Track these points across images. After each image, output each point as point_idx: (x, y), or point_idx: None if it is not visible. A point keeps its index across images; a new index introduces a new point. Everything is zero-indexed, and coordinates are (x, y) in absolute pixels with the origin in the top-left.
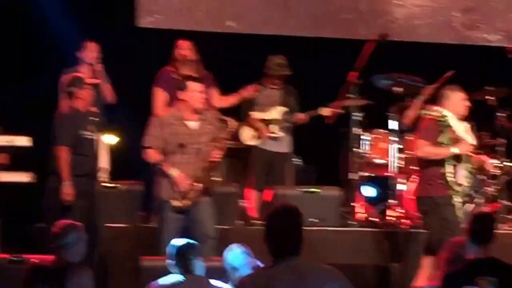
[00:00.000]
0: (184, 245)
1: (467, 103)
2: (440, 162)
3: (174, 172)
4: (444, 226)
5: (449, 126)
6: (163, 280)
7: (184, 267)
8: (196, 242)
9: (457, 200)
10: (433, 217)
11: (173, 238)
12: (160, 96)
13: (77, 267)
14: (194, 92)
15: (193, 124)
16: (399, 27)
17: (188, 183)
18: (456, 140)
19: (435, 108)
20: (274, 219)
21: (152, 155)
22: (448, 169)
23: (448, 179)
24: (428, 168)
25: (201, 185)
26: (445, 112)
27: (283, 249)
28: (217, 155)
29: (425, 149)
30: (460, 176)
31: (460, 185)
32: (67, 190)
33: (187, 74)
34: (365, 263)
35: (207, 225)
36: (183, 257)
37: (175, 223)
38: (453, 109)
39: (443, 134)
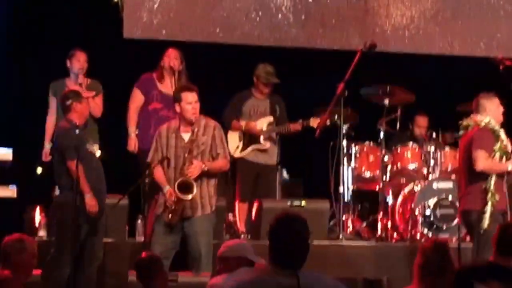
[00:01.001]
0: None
1: (502, 109)
2: (488, 175)
3: (166, 187)
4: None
5: (499, 135)
6: None
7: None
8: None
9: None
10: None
11: (165, 252)
12: (135, 96)
13: None
14: (188, 103)
15: (187, 136)
16: (387, 37)
17: (173, 198)
18: (504, 149)
19: (482, 116)
20: (279, 227)
21: (157, 172)
22: (493, 181)
23: (492, 191)
24: (478, 181)
25: (189, 198)
26: (492, 120)
27: (287, 260)
28: (192, 170)
29: (487, 163)
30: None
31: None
32: (92, 201)
33: (182, 85)
34: (354, 277)
35: (199, 240)
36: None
37: (168, 237)
38: (492, 116)
39: (496, 143)
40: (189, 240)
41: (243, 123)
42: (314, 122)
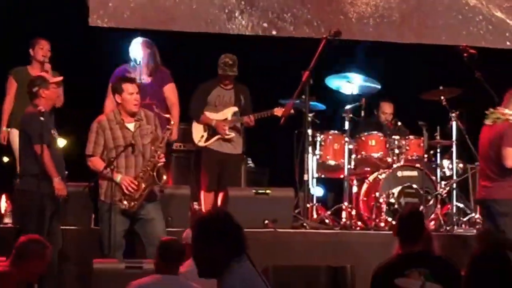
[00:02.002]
0: (164, 245)
1: None
2: None
3: (118, 176)
4: None
5: None
6: (141, 280)
7: (162, 266)
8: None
9: None
10: None
11: (119, 241)
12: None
13: None
14: (129, 94)
15: (132, 126)
16: (352, 25)
17: (133, 185)
18: None
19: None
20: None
21: (95, 163)
22: None
23: None
24: (509, 174)
25: (145, 186)
26: None
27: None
28: (161, 157)
29: None
30: None
31: None
32: (60, 185)
33: (123, 76)
34: (318, 264)
35: (157, 226)
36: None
37: (121, 226)
38: None
39: None
40: (146, 227)
41: (213, 117)
42: (278, 112)
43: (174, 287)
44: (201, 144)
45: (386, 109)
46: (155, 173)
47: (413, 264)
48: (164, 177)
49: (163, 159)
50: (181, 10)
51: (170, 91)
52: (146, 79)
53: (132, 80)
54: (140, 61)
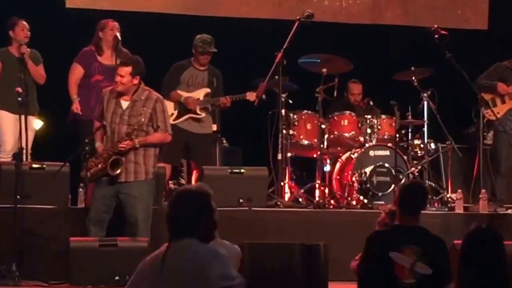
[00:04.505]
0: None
1: None
2: None
3: (97, 143)
4: None
5: None
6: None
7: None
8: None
9: None
10: None
11: (97, 216)
12: (75, 70)
13: None
14: (118, 76)
15: (125, 105)
16: (325, 7)
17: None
18: None
19: None
20: (173, 200)
21: (94, 126)
22: None
23: None
24: None
25: (101, 167)
26: None
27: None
28: (123, 144)
29: None
30: None
31: None
32: None
33: (121, 60)
34: (292, 243)
35: (135, 206)
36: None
37: (101, 201)
38: None
39: None
40: (125, 206)
41: (182, 93)
42: (250, 96)
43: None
44: (171, 121)
45: (354, 90)
46: (109, 162)
47: (408, 238)
48: (118, 171)
49: (123, 147)
50: None
51: None
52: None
53: (125, 64)
54: (111, 43)
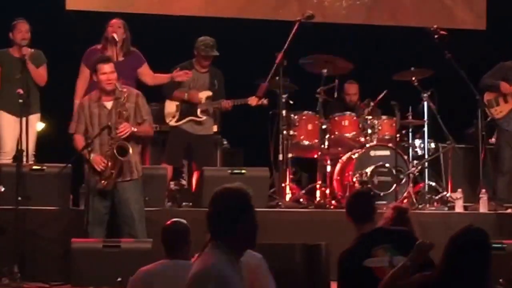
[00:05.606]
0: (169, 228)
1: None
2: None
3: (91, 155)
4: None
5: None
6: (150, 266)
7: (168, 251)
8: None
9: None
10: None
11: (98, 217)
12: (81, 73)
13: None
14: (102, 74)
15: (109, 105)
16: (325, 8)
17: (102, 163)
18: None
19: None
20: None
21: (76, 141)
22: None
23: None
24: None
25: (112, 164)
26: None
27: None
28: (121, 131)
29: None
30: None
31: None
32: None
33: (98, 57)
34: (293, 243)
35: (132, 206)
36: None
37: (101, 202)
38: None
39: None
40: (121, 206)
41: (185, 92)
42: (252, 101)
43: (182, 272)
44: (172, 123)
45: (350, 90)
46: (115, 149)
47: (373, 242)
48: (130, 151)
49: (123, 132)
50: None
51: (148, 68)
52: (120, 58)
53: (105, 60)
54: (117, 41)
